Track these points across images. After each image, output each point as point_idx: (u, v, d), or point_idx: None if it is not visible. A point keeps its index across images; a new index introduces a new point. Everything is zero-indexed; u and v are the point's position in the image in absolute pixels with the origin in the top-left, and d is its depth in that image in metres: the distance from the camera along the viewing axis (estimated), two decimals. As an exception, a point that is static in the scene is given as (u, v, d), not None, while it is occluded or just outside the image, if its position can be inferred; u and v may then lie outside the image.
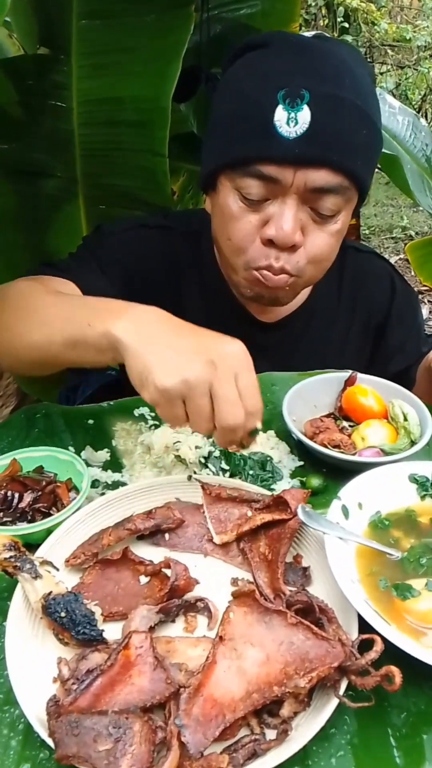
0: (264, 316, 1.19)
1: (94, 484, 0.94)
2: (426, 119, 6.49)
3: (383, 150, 1.10)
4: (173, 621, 0.72)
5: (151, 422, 1.06)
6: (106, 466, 0.98)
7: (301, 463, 1.00)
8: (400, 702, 0.66)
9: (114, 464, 0.98)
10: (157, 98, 1.38)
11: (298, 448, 1.02)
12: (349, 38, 6.25)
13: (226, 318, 1.20)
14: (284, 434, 1.04)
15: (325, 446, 0.96)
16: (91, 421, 1.06)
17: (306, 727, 0.60)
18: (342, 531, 0.76)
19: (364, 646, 0.63)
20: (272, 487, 0.94)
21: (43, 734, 0.59)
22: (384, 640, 0.63)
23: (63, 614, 0.67)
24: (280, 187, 0.95)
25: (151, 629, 0.68)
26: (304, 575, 0.77)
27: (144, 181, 1.51)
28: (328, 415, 1.06)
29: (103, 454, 0.99)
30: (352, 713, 0.64)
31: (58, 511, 0.84)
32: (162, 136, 1.42)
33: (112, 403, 1.11)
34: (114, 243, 1.19)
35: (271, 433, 1.05)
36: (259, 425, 0.79)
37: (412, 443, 0.96)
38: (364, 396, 1.04)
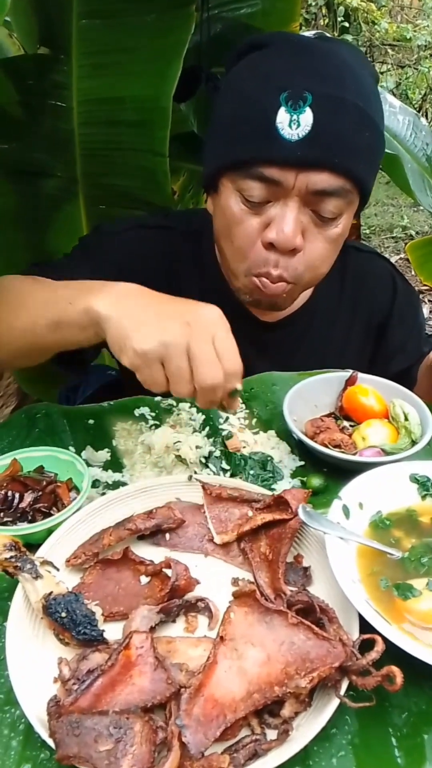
0: (265, 315, 1.19)
1: (95, 484, 0.94)
2: (426, 118, 6.49)
3: (385, 142, 1.10)
4: (174, 621, 0.72)
5: (151, 422, 1.06)
6: (106, 466, 0.98)
7: (302, 462, 1.00)
8: (401, 702, 0.66)
9: (114, 464, 0.98)
10: (157, 98, 1.38)
11: (298, 447, 1.02)
12: (349, 38, 6.25)
13: (227, 317, 1.20)
14: (285, 434, 1.04)
15: (326, 446, 0.96)
16: (91, 421, 1.06)
17: (307, 728, 0.60)
18: (343, 531, 0.76)
19: (365, 646, 0.63)
20: (273, 486, 0.94)
21: (44, 734, 0.59)
22: (385, 640, 0.63)
23: (64, 614, 0.67)
24: (282, 190, 0.95)
25: (152, 629, 0.68)
26: (305, 575, 0.77)
27: (144, 180, 1.51)
28: (328, 415, 1.06)
29: (104, 454, 0.99)
30: (353, 713, 0.64)
31: (59, 511, 0.84)
32: (162, 135, 1.42)
33: (112, 403, 1.11)
34: (111, 244, 1.19)
35: (272, 432, 1.05)
36: (239, 386, 0.81)
37: (413, 443, 0.96)
38: (365, 396, 1.04)
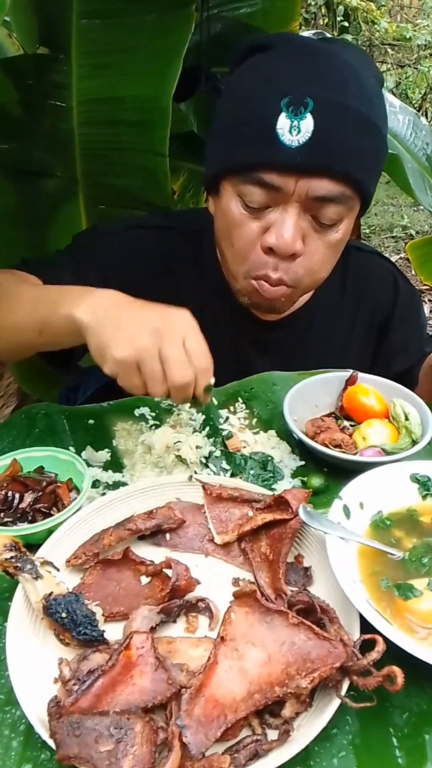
0: (266, 315, 1.19)
1: (95, 484, 0.93)
2: (426, 118, 6.49)
3: (388, 147, 1.10)
4: (174, 621, 0.72)
5: (151, 422, 1.06)
6: (106, 466, 0.98)
7: (302, 462, 1.00)
8: (402, 702, 0.66)
9: (115, 464, 0.98)
10: (157, 98, 1.38)
11: (299, 447, 1.02)
12: (348, 37, 6.24)
13: (228, 317, 1.20)
14: (285, 434, 1.04)
15: (327, 446, 0.96)
16: (91, 421, 1.06)
17: (308, 728, 0.60)
18: (343, 531, 0.76)
19: (366, 646, 0.63)
20: (273, 486, 0.94)
21: (45, 735, 0.59)
22: (386, 640, 0.63)
23: (64, 615, 0.67)
24: (282, 195, 0.95)
25: (153, 630, 0.68)
26: (306, 575, 0.77)
27: (144, 180, 1.51)
28: (329, 415, 1.06)
29: (104, 454, 0.99)
30: (354, 713, 0.64)
31: (59, 511, 0.84)
32: (162, 135, 1.42)
33: (112, 403, 1.11)
34: (105, 244, 1.19)
35: (272, 432, 1.04)
36: (211, 381, 0.87)
37: (414, 443, 0.96)
38: (365, 395, 1.04)
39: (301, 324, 1.22)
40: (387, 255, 1.36)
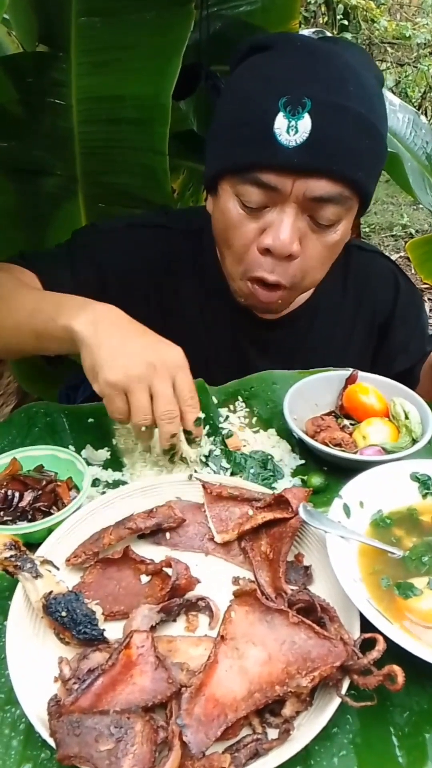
0: (264, 315, 1.19)
1: (95, 483, 0.93)
2: (426, 117, 6.48)
3: (387, 147, 1.09)
4: (174, 620, 0.72)
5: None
6: (106, 465, 0.97)
7: (303, 461, 1.00)
8: (402, 701, 0.65)
9: (114, 463, 0.98)
10: (157, 96, 1.38)
11: (299, 446, 1.02)
12: (348, 36, 6.23)
13: (228, 316, 1.20)
14: (285, 433, 1.04)
15: (327, 445, 0.96)
16: (91, 420, 1.06)
17: (308, 727, 0.60)
18: (343, 530, 0.76)
19: (366, 645, 0.63)
20: (273, 485, 0.94)
21: (45, 734, 0.59)
22: (386, 639, 0.63)
23: (64, 614, 0.67)
24: (279, 196, 0.95)
25: (153, 628, 0.68)
26: (306, 574, 0.77)
27: (144, 179, 1.50)
28: (329, 414, 1.06)
29: (104, 453, 0.99)
30: (355, 712, 0.64)
31: (59, 510, 0.84)
32: (162, 133, 1.42)
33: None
34: (101, 243, 1.19)
35: (272, 431, 1.04)
36: (201, 415, 0.91)
37: (414, 441, 0.95)
38: (365, 394, 1.03)
39: (301, 323, 1.22)
40: (387, 254, 1.35)
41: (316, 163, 0.92)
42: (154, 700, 0.60)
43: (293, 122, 0.90)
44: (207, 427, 1.03)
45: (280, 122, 0.90)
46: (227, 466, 0.97)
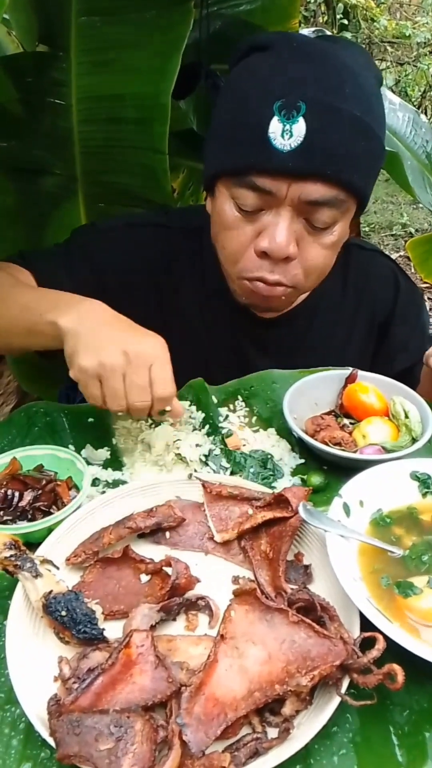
0: (264, 313, 1.19)
1: (95, 482, 0.93)
2: (426, 115, 6.47)
3: (385, 148, 1.09)
4: (174, 619, 0.72)
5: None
6: (106, 465, 0.97)
7: (302, 460, 1.00)
8: (402, 700, 0.66)
9: (114, 462, 0.98)
10: (156, 95, 1.38)
11: (299, 445, 1.02)
12: (348, 35, 6.23)
13: (228, 315, 1.20)
14: (285, 432, 1.04)
15: (326, 444, 0.96)
16: (91, 420, 1.06)
17: (308, 726, 0.60)
18: (343, 529, 0.76)
19: (366, 644, 0.63)
20: (273, 484, 0.94)
21: (44, 733, 0.59)
22: (386, 638, 0.63)
23: (64, 613, 0.67)
24: (275, 199, 0.95)
25: (152, 628, 0.68)
26: (306, 573, 0.77)
27: (144, 178, 1.50)
28: (329, 413, 1.06)
29: (104, 453, 0.99)
30: (354, 711, 0.64)
31: (59, 509, 0.84)
32: (162, 132, 1.41)
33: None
34: (98, 243, 1.19)
35: (272, 430, 1.04)
36: (167, 408, 0.93)
37: (414, 440, 0.95)
38: (365, 393, 1.03)
39: (301, 322, 1.22)
40: (386, 253, 1.35)
41: (311, 167, 0.92)
42: (154, 699, 0.60)
43: (288, 126, 0.90)
44: (207, 426, 1.03)
45: (275, 126, 0.90)
46: (227, 465, 0.97)
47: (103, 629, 0.68)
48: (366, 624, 0.66)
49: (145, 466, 0.96)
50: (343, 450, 0.95)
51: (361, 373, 1.07)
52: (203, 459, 0.97)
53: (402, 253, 4.62)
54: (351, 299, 1.26)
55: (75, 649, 0.67)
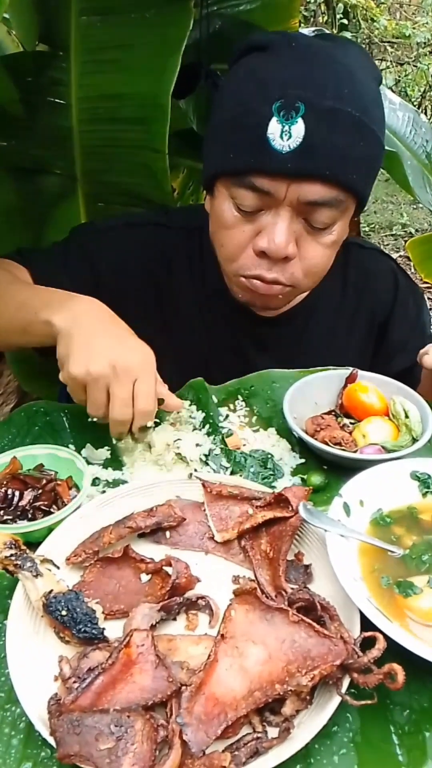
0: (262, 312, 1.19)
1: (95, 482, 0.93)
2: (426, 115, 6.47)
3: (384, 147, 1.09)
4: (174, 619, 0.72)
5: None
6: (106, 464, 0.97)
7: (302, 460, 1.00)
8: (402, 700, 0.66)
9: (114, 462, 0.98)
10: (156, 95, 1.38)
11: (299, 445, 1.02)
12: (348, 35, 6.22)
13: (227, 314, 1.20)
14: (285, 431, 1.04)
15: (327, 443, 0.96)
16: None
17: (308, 725, 0.60)
18: (343, 528, 0.76)
19: (367, 643, 0.63)
20: (273, 484, 0.94)
21: (45, 733, 0.59)
22: (386, 637, 0.63)
23: (64, 612, 0.67)
24: (273, 200, 0.95)
25: (153, 627, 0.68)
26: (306, 573, 0.77)
27: (144, 178, 1.50)
28: (329, 413, 1.06)
29: (104, 452, 0.99)
30: (355, 711, 0.64)
31: (59, 509, 0.84)
32: (162, 132, 1.41)
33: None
34: (97, 244, 1.19)
35: (272, 430, 1.04)
36: (149, 423, 0.93)
37: (414, 440, 0.95)
38: (365, 393, 1.03)
39: (300, 321, 1.22)
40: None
41: (310, 169, 0.92)
42: (154, 698, 0.60)
43: (287, 127, 0.90)
44: (207, 425, 1.03)
45: (274, 127, 0.90)
46: (227, 465, 0.97)
47: (104, 629, 0.68)
48: (366, 624, 0.66)
49: (145, 465, 0.96)
50: (343, 450, 0.95)
51: (361, 372, 1.07)
52: (203, 458, 0.97)
53: (402, 253, 4.62)
54: (351, 298, 1.25)
55: (75, 649, 0.68)
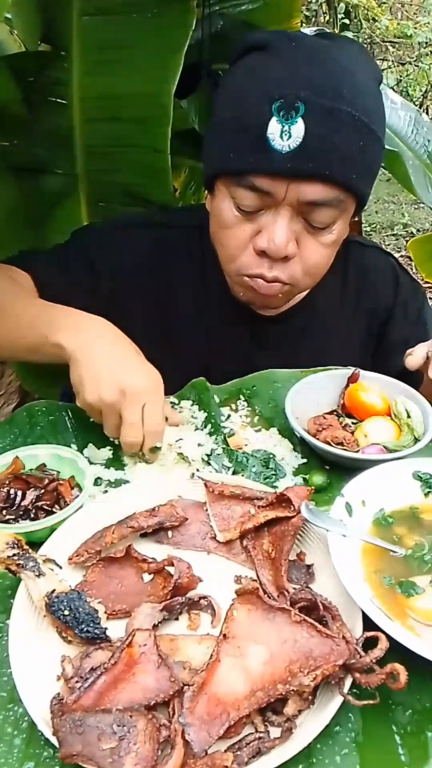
0: (262, 310, 1.19)
1: (97, 482, 0.93)
2: (428, 115, 6.46)
3: (384, 146, 1.09)
4: (177, 619, 0.72)
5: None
6: (108, 464, 0.98)
7: (304, 460, 1.00)
8: (404, 700, 0.65)
9: (116, 462, 0.98)
10: (158, 94, 1.38)
11: (301, 445, 1.02)
12: (349, 35, 6.22)
13: (228, 313, 1.20)
14: (287, 431, 1.04)
15: (328, 443, 0.96)
16: (93, 419, 1.06)
17: (310, 725, 0.60)
18: (345, 528, 0.76)
19: (369, 643, 0.63)
20: (275, 484, 0.94)
21: (47, 732, 0.59)
22: (388, 637, 0.63)
23: (66, 612, 0.67)
24: (273, 200, 0.95)
25: (155, 627, 0.68)
26: (308, 573, 0.77)
27: (146, 177, 1.50)
28: (331, 413, 1.06)
29: (106, 452, 0.99)
30: (357, 711, 0.64)
31: (61, 509, 0.84)
32: (163, 132, 1.41)
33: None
34: (98, 246, 1.19)
35: (274, 430, 1.04)
36: (159, 444, 0.95)
37: (416, 440, 0.95)
38: (367, 393, 1.03)
39: (301, 319, 1.22)
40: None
41: (310, 169, 0.92)
42: (156, 698, 0.60)
43: (286, 127, 0.90)
44: (209, 425, 1.03)
45: (274, 127, 0.90)
46: (229, 464, 0.97)
47: (106, 628, 0.68)
48: (368, 623, 0.66)
49: (147, 465, 0.96)
50: (345, 450, 0.95)
51: (363, 372, 1.07)
52: (205, 458, 0.97)
53: (403, 252, 4.61)
54: (351, 296, 1.25)
55: (78, 649, 0.68)
